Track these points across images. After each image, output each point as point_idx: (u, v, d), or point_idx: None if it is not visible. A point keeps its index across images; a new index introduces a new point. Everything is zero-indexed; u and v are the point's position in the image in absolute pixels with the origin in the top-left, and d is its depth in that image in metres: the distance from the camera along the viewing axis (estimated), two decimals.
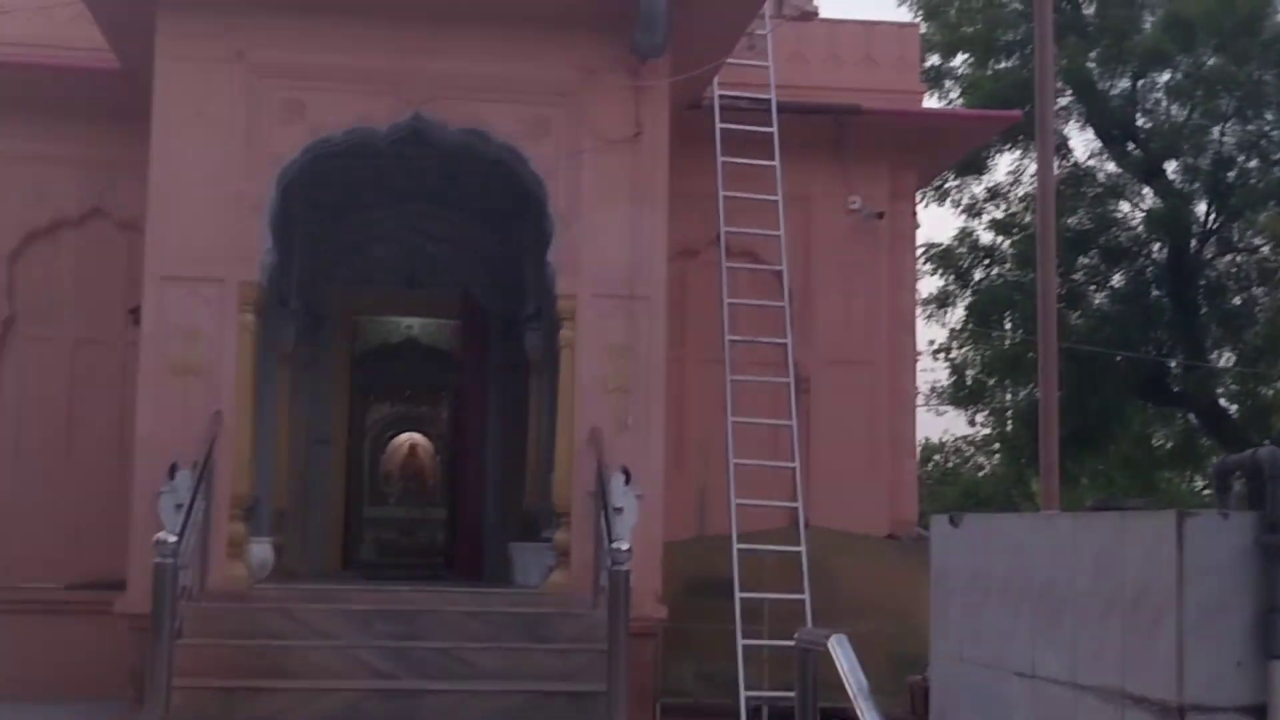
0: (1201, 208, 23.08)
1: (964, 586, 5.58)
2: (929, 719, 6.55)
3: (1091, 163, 23.64)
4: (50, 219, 12.50)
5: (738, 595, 10.53)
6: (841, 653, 5.16)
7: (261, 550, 10.55)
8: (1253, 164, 22.68)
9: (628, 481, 9.81)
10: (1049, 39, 7.52)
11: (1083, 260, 23.12)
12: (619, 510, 9.40)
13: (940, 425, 37.47)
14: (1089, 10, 22.73)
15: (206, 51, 10.13)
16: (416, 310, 16.54)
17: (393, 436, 25.75)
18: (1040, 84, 7.55)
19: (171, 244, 9.98)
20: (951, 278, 24.04)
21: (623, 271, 10.40)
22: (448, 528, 20.45)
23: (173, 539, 7.89)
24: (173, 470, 9.38)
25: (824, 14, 13.80)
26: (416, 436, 25.67)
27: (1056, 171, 23.91)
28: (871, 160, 13.29)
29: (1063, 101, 22.98)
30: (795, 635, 5.83)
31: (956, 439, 31.94)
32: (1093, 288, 23.72)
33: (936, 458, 31.37)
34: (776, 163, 11.94)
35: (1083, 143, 24.21)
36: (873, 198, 13.28)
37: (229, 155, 10.09)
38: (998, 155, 23.54)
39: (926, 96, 17.43)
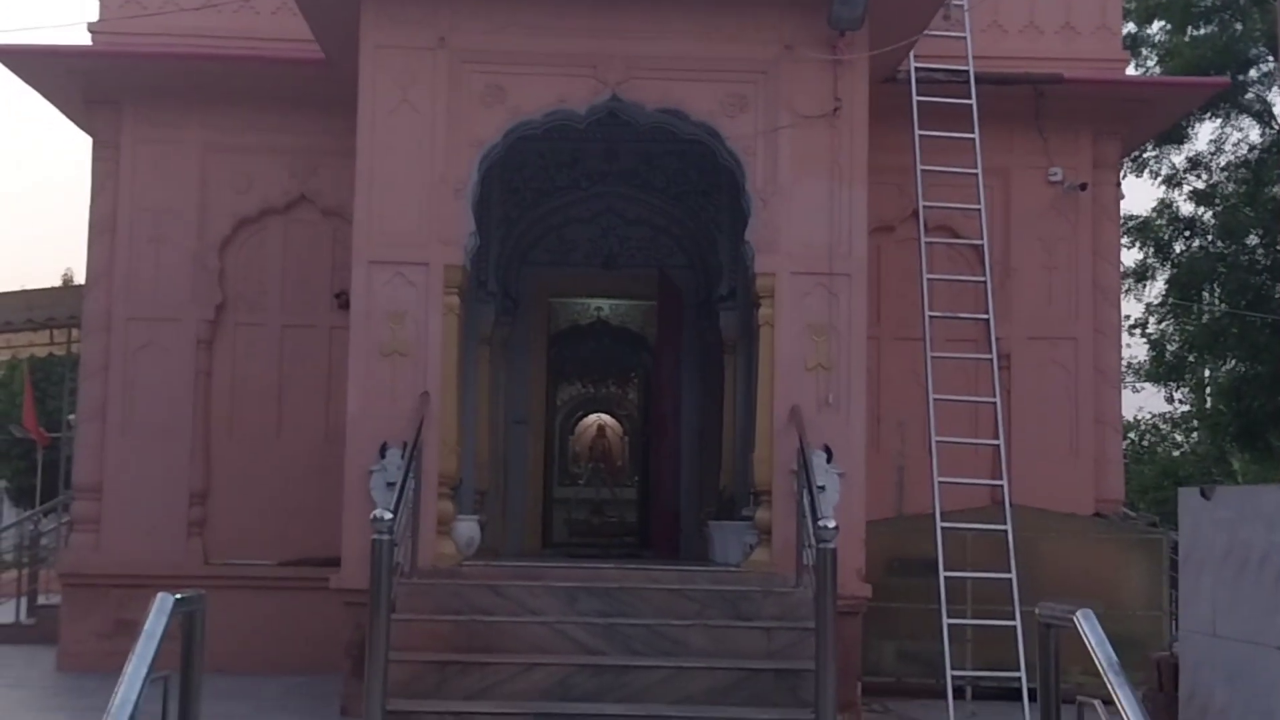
0: None
1: (1217, 560, 5.39)
2: (1178, 695, 6.34)
3: None
4: (259, 207, 12.88)
5: (942, 575, 10.40)
6: (1088, 626, 4.99)
7: (468, 528, 10.69)
8: None
9: (830, 459, 9.78)
10: None
11: None
12: (821, 488, 9.31)
13: (1133, 403, 36.47)
14: None
15: (409, 39, 10.28)
16: (612, 291, 16.60)
17: (581, 418, 25.98)
18: None
19: (378, 229, 10.15)
20: (1150, 250, 23.39)
21: (822, 248, 10.27)
22: (639, 508, 20.64)
23: (389, 516, 7.98)
24: (383, 449, 9.64)
25: None
26: (605, 418, 25.84)
27: (1261, 139, 23.12)
28: (1073, 131, 12.97)
29: (1266, 68, 22.14)
30: (1037, 609, 5.64)
31: (1153, 416, 31.06)
32: None
33: (1132, 435, 30.47)
34: (976, 135, 11.69)
35: None
36: (1074, 169, 12.97)
37: (432, 140, 10.22)
38: (1197, 124, 22.80)
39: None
